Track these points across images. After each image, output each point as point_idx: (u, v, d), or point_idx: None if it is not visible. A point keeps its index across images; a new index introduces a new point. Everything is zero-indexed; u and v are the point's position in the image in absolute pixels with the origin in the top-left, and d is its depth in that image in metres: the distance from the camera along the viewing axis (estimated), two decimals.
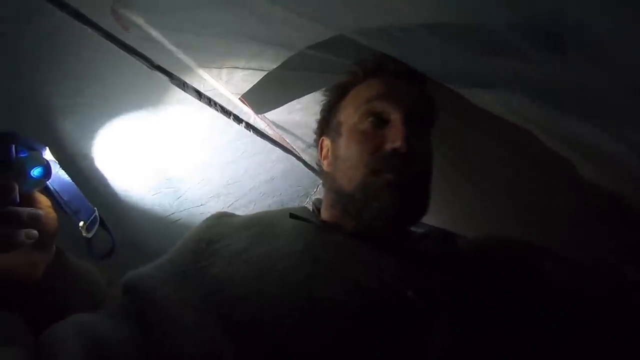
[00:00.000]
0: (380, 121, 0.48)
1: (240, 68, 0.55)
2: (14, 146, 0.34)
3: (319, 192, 0.88)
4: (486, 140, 0.57)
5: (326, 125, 0.57)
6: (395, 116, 0.48)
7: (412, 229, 0.53)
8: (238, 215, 0.53)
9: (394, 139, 0.45)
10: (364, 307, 0.36)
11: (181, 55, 0.51)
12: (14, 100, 0.52)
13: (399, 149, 0.45)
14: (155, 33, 0.47)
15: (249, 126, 0.69)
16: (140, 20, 0.45)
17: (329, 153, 0.54)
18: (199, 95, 0.61)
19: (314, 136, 0.60)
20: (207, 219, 0.51)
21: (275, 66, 0.55)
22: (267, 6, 0.43)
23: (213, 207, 0.81)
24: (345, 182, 0.48)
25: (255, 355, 0.33)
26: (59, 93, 0.53)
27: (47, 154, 0.38)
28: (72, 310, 0.39)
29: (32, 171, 0.36)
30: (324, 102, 0.58)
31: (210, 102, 0.63)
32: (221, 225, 0.48)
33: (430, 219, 0.77)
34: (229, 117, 0.66)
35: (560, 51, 0.32)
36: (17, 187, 0.33)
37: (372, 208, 0.45)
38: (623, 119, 0.32)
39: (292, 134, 0.72)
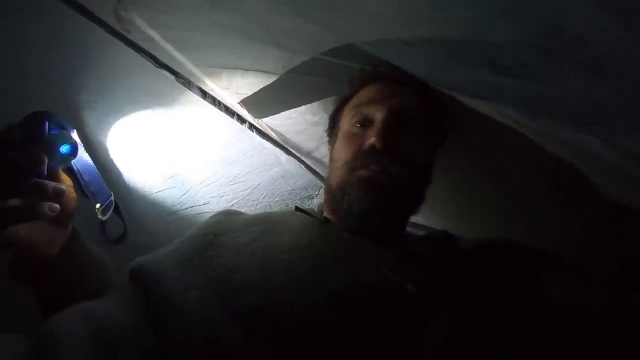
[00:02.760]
0: (368, 123, 0.51)
1: (242, 69, 0.56)
2: (47, 123, 0.37)
3: (321, 194, 0.88)
4: (486, 144, 0.57)
5: (331, 132, 0.60)
6: (378, 116, 0.50)
7: (413, 231, 0.55)
8: (245, 213, 0.55)
9: (371, 136, 0.47)
10: (364, 299, 0.37)
11: (180, 56, 0.52)
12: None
13: (374, 146, 0.46)
14: (156, 34, 0.48)
15: (252, 127, 0.70)
16: (142, 22, 0.46)
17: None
18: (204, 94, 0.62)
19: (314, 143, 0.62)
20: (215, 214, 0.52)
21: (276, 69, 0.56)
22: (271, 10, 0.44)
23: (215, 206, 0.82)
24: (333, 182, 0.51)
25: (260, 338, 0.33)
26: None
27: (75, 135, 0.40)
28: (80, 292, 0.41)
29: (61, 147, 0.38)
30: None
31: (214, 101, 0.64)
32: (229, 221, 0.49)
33: (432, 222, 0.77)
34: (233, 117, 0.67)
35: (558, 65, 0.32)
36: (46, 161, 0.35)
37: (345, 202, 0.47)
38: (616, 124, 0.32)
39: (291, 141, 0.73)
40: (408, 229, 0.55)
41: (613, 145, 0.34)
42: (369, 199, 0.46)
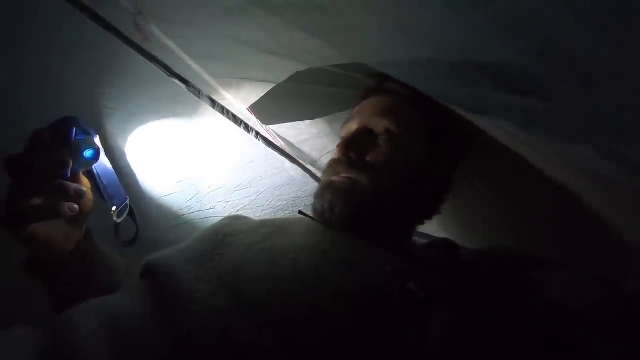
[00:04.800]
0: None
1: (251, 79, 0.58)
2: (74, 129, 0.39)
3: None
4: (491, 158, 0.57)
5: None
6: (352, 128, 0.54)
7: (416, 239, 0.56)
8: (252, 219, 0.57)
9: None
10: (366, 298, 0.38)
11: (195, 65, 0.55)
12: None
13: (337, 155, 0.51)
14: (173, 44, 0.50)
15: (258, 135, 0.72)
16: (160, 33, 0.48)
17: None
18: (213, 103, 0.65)
19: (316, 154, 0.65)
20: (224, 219, 0.55)
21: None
22: (282, 26, 0.46)
23: (221, 211, 0.83)
24: None
25: (266, 332, 0.34)
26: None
27: (97, 141, 0.42)
28: (92, 290, 0.43)
29: (84, 152, 0.40)
30: None
31: (223, 110, 0.66)
32: (237, 224, 0.51)
33: (433, 230, 0.77)
34: (240, 126, 0.69)
35: (553, 79, 0.33)
36: (71, 164, 0.37)
37: (313, 205, 0.52)
38: (610, 134, 0.33)
39: (298, 149, 0.75)
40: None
41: (608, 153, 0.34)
42: (325, 197, 0.49)
